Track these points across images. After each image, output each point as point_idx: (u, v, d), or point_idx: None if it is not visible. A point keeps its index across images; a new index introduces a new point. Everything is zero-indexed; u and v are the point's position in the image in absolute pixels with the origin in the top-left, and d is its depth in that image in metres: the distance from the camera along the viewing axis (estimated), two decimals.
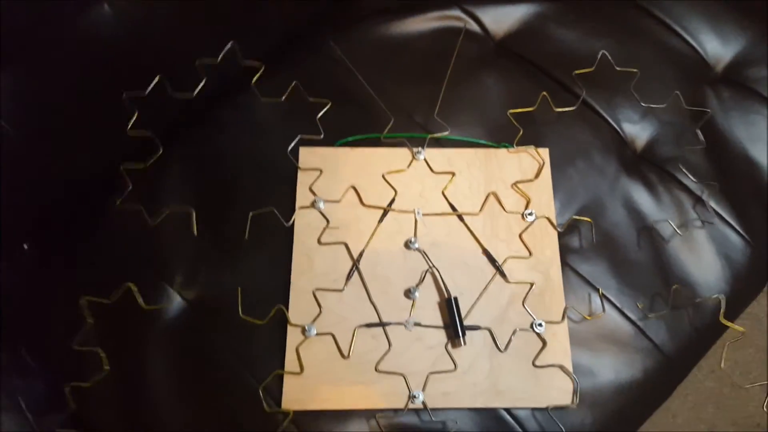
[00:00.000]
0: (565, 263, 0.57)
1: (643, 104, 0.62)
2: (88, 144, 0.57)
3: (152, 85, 0.53)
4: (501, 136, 0.62)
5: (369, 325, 0.52)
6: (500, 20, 0.70)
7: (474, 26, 0.70)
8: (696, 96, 0.66)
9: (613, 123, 0.64)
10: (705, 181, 0.61)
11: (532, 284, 0.54)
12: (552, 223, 0.57)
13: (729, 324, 0.54)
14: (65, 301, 0.57)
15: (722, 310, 0.53)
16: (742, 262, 0.60)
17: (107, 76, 0.54)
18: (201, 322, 0.55)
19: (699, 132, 0.61)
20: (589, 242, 0.58)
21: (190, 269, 0.56)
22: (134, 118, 0.53)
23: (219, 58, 0.54)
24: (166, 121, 0.61)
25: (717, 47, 0.69)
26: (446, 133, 0.60)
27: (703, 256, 0.59)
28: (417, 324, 0.53)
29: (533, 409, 0.52)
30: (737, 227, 0.60)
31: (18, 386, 0.55)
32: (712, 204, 0.60)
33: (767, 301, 0.98)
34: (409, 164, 0.59)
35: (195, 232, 0.53)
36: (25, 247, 0.59)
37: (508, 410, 0.52)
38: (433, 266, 0.54)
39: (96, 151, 0.58)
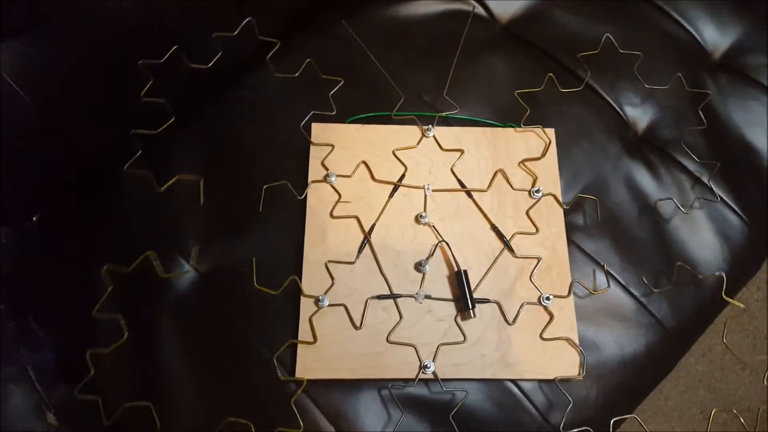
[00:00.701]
0: (570, 240, 0.58)
1: (646, 86, 0.63)
2: (101, 114, 0.57)
3: (168, 54, 0.54)
4: (508, 116, 0.63)
5: (380, 297, 0.53)
6: (506, 5, 0.72)
7: (480, 10, 0.71)
8: (695, 81, 0.67)
9: (615, 106, 0.66)
10: (704, 161, 0.62)
11: (539, 259, 0.56)
12: (558, 201, 0.58)
13: (731, 300, 0.55)
14: (74, 270, 0.57)
15: (724, 287, 0.55)
16: (740, 242, 0.61)
17: (123, 47, 0.54)
18: (214, 293, 0.55)
19: (700, 112, 0.62)
20: (594, 220, 0.60)
21: (203, 241, 0.57)
22: (148, 86, 0.53)
23: (236, 33, 0.55)
24: (180, 94, 0.61)
25: (714, 34, 0.71)
26: (455, 112, 0.61)
27: (703, 235, 0.61)
28: (427, 296, 0.54)
29: (540, 381, 0.54)
30: (735, 208, 0.62)
31: (27, 358, 0.55)
32: (712, 185, 0.62)
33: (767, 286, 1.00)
34: (419, 141, 0.60)
35: (202, 200, 0.53)
36: (34, 219, 0.59)
37: (515, 382, 0.54)
38: (443, 240, 0.55)
39: (109, 121, 0.58)
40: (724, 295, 0.55)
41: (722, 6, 0.71)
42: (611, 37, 0.62)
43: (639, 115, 0.66)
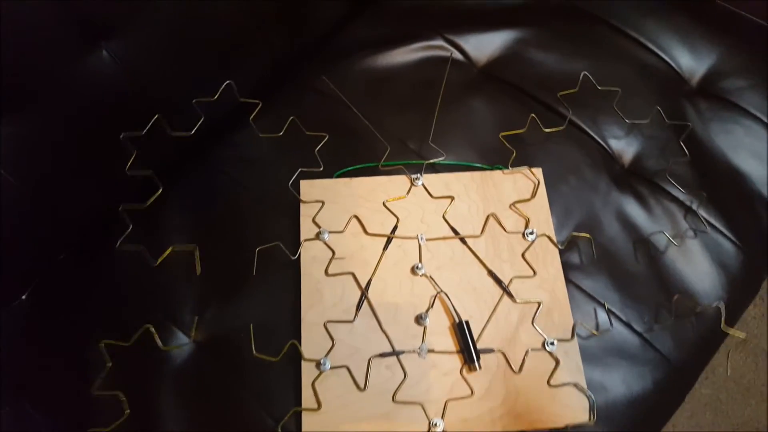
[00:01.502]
0: (568, 280, 0.58)
1: (627, 121, 0.64)
2: (88, 188, 0.56)
3: (150, 124, 0.53)
4: (494, 158, 0.63)
5: (383, 355, 0.52)
6: (481, 47, 0.73)
7: (457, 55, 0.72)
8: (675, 109, 0.68)
9: (599, 140, 0.67)
10: (693, 191, 0.63)
11: (539, 303, 0.55)
12: (552, 241, 0.58)
13: (731, 331, 0.55)
14: (69, 348, 0.55)
15: (723, 318, 0.55)
16: (737, 267, 0.61)
17: (106, 120, 0.54)
18: (213, 362, 0.54)
19: (682, 144, 0.63)
20: (590, 258, 0.59)
21: (198, 309, 0.55)
22: (132, 158, 0.53)
23: (216, 96, 0.55)
24: (165, 161, 0.61)
25: (690, 61, 0.72)
26: (442, 158, 0.61)
27: (699, 265, 0.61)
28: (430, 350, 0.53)
29: (551, 430, 0.52)
30: (728, 234, 0.62)
31: None
32: (702, 213, 0.62)
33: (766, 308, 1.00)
34: (408, 191, 0.60)
35: (198, 270, 0.52)
36: (23, 297, 0.57)
37: None
38: (441, 291, 0.54)
39: (96, 195, 0.58)
40: (723, 327, 0.54)
41: (695, 33, 0.72)
42: (588, 74, 0.63)
43: (624, 147, 0.67)
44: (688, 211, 0.63)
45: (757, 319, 1.00)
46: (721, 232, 0.62)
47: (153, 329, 0.49)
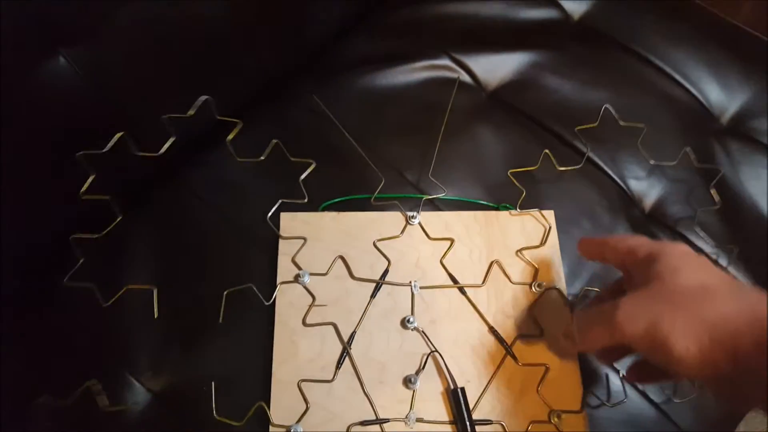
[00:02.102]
0: None
1: (651, 162, 0.58)
2: (37, 213, 0.49)
3: (112, 142, 0.46)
4: (500, 196, 0.56)
5: (364, 423, 0.45)
6: (492, 70, 0.66)
7: (465, 76, 0.65)
8: (702, 149, 0.62)
9: (618, 180, 0.60)
10: (721, 244, 0.56)
11: (547, 367, 0.48)
12: (563, 295, 0.51)
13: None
14: (7, 404, 0.48)
15: None
16: None
17: (61, 137, 0.47)
18: (169, 418, 0.47)
19: (714, 192, 0.56)
20: None
21: (156, 357, 0.49)
22: (90, 181, 0.46)
23: (189, 114, 0.48)
24: (128, 184, 0.54)
25: (721, 97, 0.65)
26: (443, 194, 0.54)
27: None
28: (419, 419, 0.46)
29: None
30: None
31: None
32: (732, 270, 0.55)
33: None
34: (403, 230, 0.53)
35: (156, 313, 0.45)
36: None
37: None
38: (435, 349, 0.48)
39: (46, 221, 0.50)
40: None
41: (728, 67, 0.66)
42: (611, 108, 0.56)
43: (645, 189, 0.60)
44: (714, 264, 0.56)
45: None
46: None
47: (97, 387, 0.42)
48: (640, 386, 0.51)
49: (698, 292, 0.35)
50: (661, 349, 0.34)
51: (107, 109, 0.49)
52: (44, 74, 0.45)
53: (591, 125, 0.57)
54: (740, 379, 0.32)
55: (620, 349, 0.39)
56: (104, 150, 0.46)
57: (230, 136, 0.51)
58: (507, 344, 0.49)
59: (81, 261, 0.45)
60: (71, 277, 0.45)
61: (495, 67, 0.66)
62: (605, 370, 0.51)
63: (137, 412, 0.47)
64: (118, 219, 0.47)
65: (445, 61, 0.66)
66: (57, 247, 0.48)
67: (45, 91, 0.46)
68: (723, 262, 0.56)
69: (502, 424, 0.46)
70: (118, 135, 0.47)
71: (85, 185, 0.46)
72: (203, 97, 0.49)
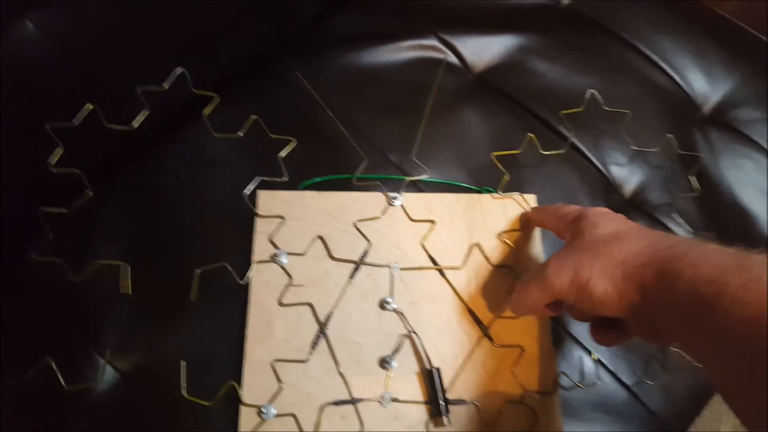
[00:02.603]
0: (555, 322, 0.51)
1: (634, 148, 0.57)
2: (2, 184, 0.48)
3: (82, 114, 0.45)
4: (483, 179, 0.56)
5: (338, 403, 0.45)
6: (480, 51, 0.65)
7: (452, 57, 0.64)
8: (683, 137, 0.62)
9: (600, 166, 0.60)
10: (699, 231, 0.57)
11: (522, 348, 0.48)
12: None
13: None
14: None
15: None
16: None
17: (29, 107, 0.45)
18: (138, 398, 0.46)
19: (694, 179, 0.57)
20: None
21: (125, 334, 0.47)
22: (60, 154, 0.44)
23: (164, 87, 0.47)
24: (99, 158, 0.52)
25: (705, 86, 0.66)
26: (426, 176, 0.54)
27: None
28: (394, 400, 0.46)
29: None
30: None
31: None
32: None
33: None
34: (384, 211, 0.52)
35: (129, 290, 0.44)
36: None
37: None
38: (412, 330, 0.47)
39: (12, 194, 0.49)
40: None
41: (713, 56, 0.66)
42: (596, 93, 0.56)
43: (626, 175, 0.60)
44: None
45: None
46: None
47: (54, 365, 0.41)
48: (611, 368, 0.51)
49: (612, 239, 0.38)
50: (585, 294, 0.36)
51: (78, 79, 0.48)
52: (10, 39, 0.43)
53: (576, 110, 0.56)
54: (651, 312, 0.34)
55: (556, 303, 0.41)
56: (74, 121, 0.45)
57: (207, 110, 0.50)
58: (484, 325, 0.49)
59: (50, 236, 0.44)
60: (39, 252, 0.44)
61: (483, 50, 0.65)
62: (579, 352, 0.51)
63: (104, 391, 0.46)
64: (90, 194, 0.45)
65: (433, 42, 0.65)
66: (24, 222, 0.47)
67: (10, 57, 0.44)
68: None
69: (475, 404, 0.46)
70: (90, 107, 0.46)
71: (54, 157, 0.44)
72: (179, 70, 0.48)
